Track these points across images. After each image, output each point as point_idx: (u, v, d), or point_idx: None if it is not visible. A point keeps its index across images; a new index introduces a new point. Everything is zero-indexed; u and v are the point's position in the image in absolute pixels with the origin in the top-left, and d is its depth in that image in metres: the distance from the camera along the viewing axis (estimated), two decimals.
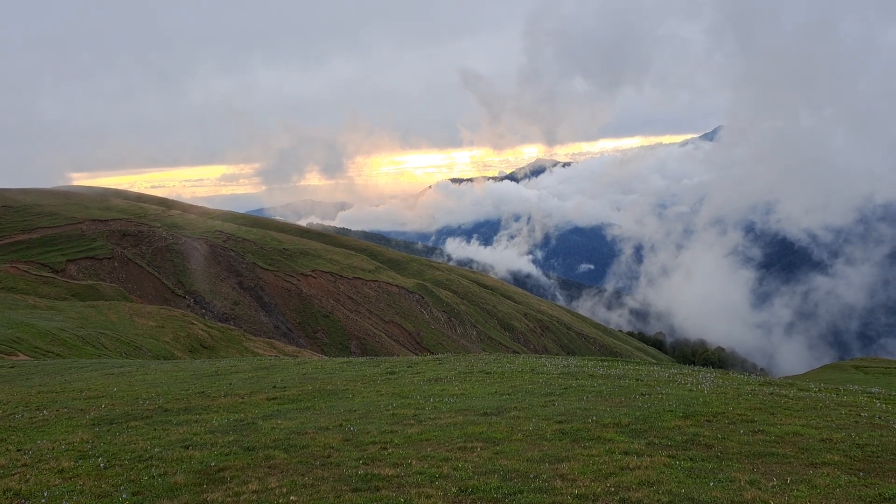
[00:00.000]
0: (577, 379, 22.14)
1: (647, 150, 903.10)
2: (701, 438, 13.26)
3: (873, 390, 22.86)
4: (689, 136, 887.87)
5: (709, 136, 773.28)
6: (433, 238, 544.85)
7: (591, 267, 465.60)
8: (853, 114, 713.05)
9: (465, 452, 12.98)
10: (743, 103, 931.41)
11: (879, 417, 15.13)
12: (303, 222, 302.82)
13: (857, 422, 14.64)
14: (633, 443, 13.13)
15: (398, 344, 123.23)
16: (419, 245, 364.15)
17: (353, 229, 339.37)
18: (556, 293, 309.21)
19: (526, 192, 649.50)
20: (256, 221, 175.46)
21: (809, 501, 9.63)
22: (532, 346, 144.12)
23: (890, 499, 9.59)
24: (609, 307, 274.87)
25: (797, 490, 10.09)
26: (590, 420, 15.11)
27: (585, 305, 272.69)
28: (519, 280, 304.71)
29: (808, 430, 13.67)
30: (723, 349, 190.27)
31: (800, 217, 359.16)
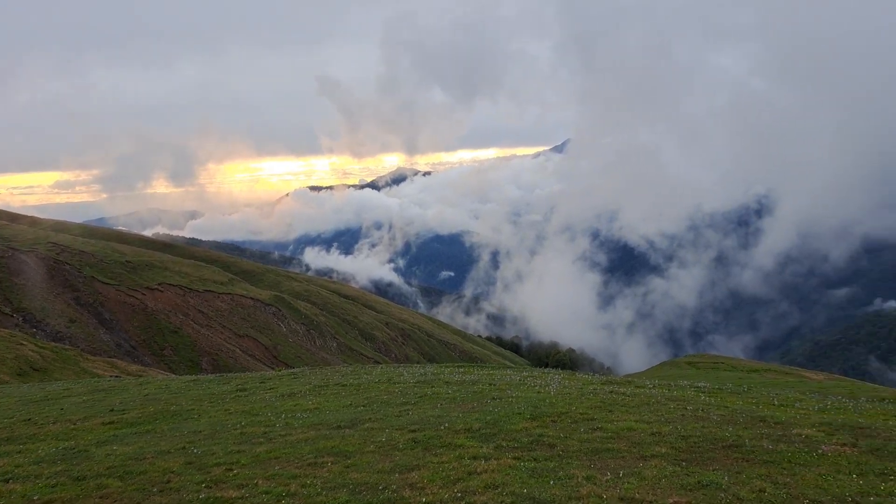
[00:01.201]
0: (432, 387, 22.42)
1: (502, 161, 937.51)
2: (545, 439, 13.84)
3: (700, 384, 24.98)
4: (541, 149, 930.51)
5: (559, 149, 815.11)
6: (291, 247, 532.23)
7: (452, 274, 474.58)
8: (683, 130, 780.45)
9: (316, 468, 12.73)
10: (587, 118, 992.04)
11: (703, 410, 16.51)
12: (149, 232, 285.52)
13: (683, 415, 15.89)
14: (482, 447, 13.46)
15: (254, 359, 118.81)
16: (276, 255, 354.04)
17: (204, 239, 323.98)
18: (418, 301, 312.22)
19: (387, 201, 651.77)
20: (95, 232, 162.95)
21: (638, 492, 10.32)
22: (394, 356, 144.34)
23: (707, 485, 10.47)
24: (468, 313, 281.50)
25: (628, 482, 10.78)
26: (442, 427, 15.33)
27: (445, 312, 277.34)
28: (381, 289, 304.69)
29: (641, 425, 14.66)
30: (573, 350, 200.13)
31: (639, 225, 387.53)
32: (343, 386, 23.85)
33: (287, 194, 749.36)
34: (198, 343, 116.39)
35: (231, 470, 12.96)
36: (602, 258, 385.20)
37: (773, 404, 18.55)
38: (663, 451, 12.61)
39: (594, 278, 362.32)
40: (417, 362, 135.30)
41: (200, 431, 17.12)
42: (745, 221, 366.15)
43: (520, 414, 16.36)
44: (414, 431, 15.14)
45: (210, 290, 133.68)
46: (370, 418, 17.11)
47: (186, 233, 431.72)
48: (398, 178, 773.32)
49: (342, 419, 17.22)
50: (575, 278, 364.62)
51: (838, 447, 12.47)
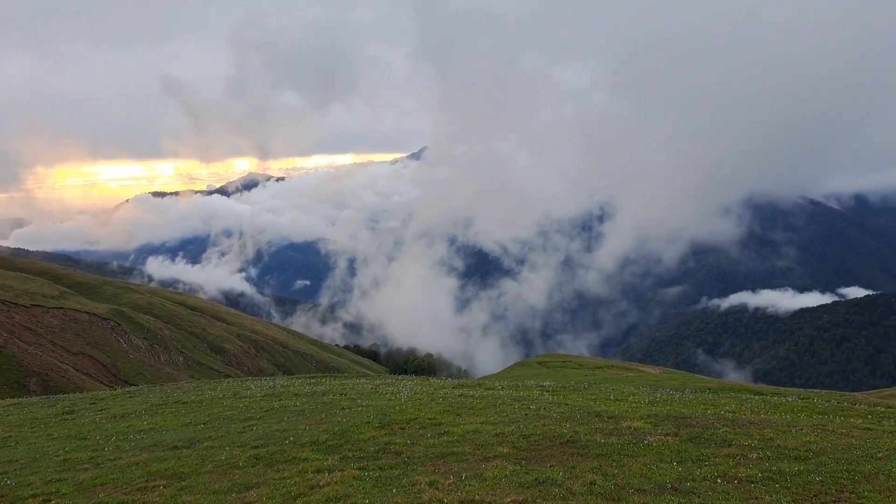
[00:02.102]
0: (280, 399, 21.73)
1: (359, 167, 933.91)
2: (392, 446, 13.76)
3: (545, 384, 26.04)
4: (398, 155, 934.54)
5: (416, 156, 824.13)
6: (132, 257, 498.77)
7: (307, 283, 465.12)
8: (533, 140, 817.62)
9: (146, 493, 11.87)
10: (443, 126, 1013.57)
11: (545, 409, 17.17)
12: None
13: (526, 414, 16.43)
14: (327, 459, 13.16)
15: (90, 378, 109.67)
16: (115, 266, 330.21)
17: (31, 249, 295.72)
18: (272, 311, 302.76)
19: (238, 207, 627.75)
20: None
21: (479, 494, 10.48)
22: (246, 369, 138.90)
23: (543, 481, 10.85)
24: (324, 322, 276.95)
25: (470, 485, 10.93)
26: (287, 441, 14.85)
27: (300, 321, 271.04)
28: (231, 300, 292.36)
29: (486, 427, 14.98)
30: (431, 355, 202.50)
31: (493, 230, 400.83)
32: (183, 403, 22.57)
33: (127, 200, 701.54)
34: (25, 363, 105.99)
35: (49, 501, 11.87)
36: (458, 263, 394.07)
37: (610, 399, 19.67)
38: (505, 451, 12.93)
39: (451, 283, 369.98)
40: (272, 374, 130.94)
41: (16, 460, 15.57)
42: (589, 227, 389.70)
43: (368, 423, 16.19)
44: (256, 447, 14.56)
45: (38, 305, 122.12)
46: (210, 436, 16.26)
47: (11, 242, 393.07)
48: (249, 184, 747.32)
49: (179, 439, 16.25)
50: (432, 284, 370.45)
51: (662, 437, 13.38)
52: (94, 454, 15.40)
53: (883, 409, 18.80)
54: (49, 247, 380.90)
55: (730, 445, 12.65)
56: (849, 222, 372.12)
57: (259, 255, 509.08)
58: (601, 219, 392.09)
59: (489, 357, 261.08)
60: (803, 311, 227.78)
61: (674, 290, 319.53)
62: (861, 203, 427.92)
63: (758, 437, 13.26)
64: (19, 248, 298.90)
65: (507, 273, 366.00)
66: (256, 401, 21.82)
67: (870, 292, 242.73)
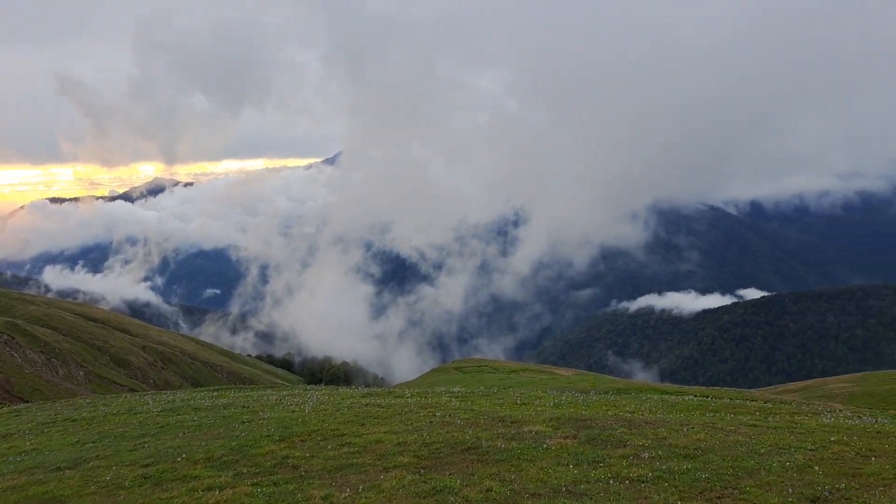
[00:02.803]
0: (178, 414, 20.80)
1: (272, 172, 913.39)
2: (290, 460, 13.33)
3: (455, 390, 26.04)
4: (313, 160, 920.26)
5: (331, 161, 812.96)
6: (28, 267, 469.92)
7: (217, 291, 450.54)
8: (449, 145, 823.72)
9: None
10: (358, 131, 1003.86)
11: (450, 415, 17.10)
12: None
13: (431, 422, 16.30)
14: (219, 476, 12.60)
15: None
16: (8, 276, 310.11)
17: None
18: (180, 321, 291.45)
19: (143, 214, 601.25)
20: None
21: None
22: (152, 382, 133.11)
23: (441, 490, 10.73)
24: (234, 331, 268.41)
25: (365, 497, 10.69)
26: (179, 459, 14.16)
27: (209, 331, 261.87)
28: (136, 310, 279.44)
29: (389, 437, 14.75)
30: (347, 363, 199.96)
31: (410, 236, 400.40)
32: (73, 421, 21.28)
33: (22, 207, 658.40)
34: None
35: None
36: (375, 269, 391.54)
37: (516, 404, 19.83)
38: (406, 460, 12.75)
39: (367, 289, 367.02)
40: (179, 387, 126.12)
41: None
42: (505, 231, 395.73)
43: (268, 436, 15.66)
44: (146, 466, 13.82)
45: None
46: (98, 455, 15.34)
47: None
48: (155, 189, 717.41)
49: (64, 459, 15.26)
50: (348, 290, 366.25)
51: (562, 440, 13.55)
52: None
53: (771, 406, 19.77)
54: None
55: (625, 446, 12.93)
56: (745, 227, 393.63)
57: (166, 263, 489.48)
58: (516, 224, 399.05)
59: (406, 363, 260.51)
60: (705, 313, 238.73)
61: (585, 293, 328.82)
62: (756, 209, 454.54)
63: (652, 436, 13.62)
64: None
65: (424, 279, 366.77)
66: (152, 416, 20.82)
67: (765, 293, 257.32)
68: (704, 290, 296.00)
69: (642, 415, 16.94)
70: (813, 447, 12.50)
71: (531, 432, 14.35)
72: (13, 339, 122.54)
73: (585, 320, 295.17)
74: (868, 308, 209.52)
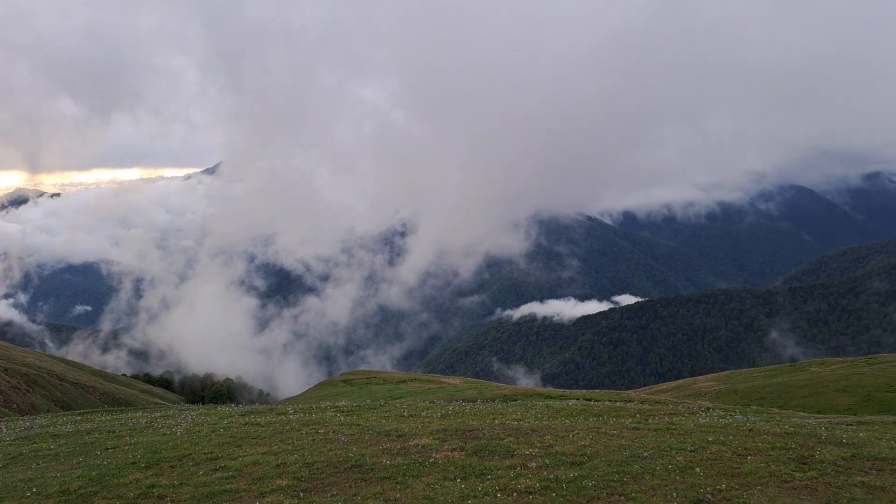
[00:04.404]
0: (34, 443, 18.87)
1: (147, 182, 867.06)
2: (156, 489, 12.25)
3: (341, 404, 25.24)
4: (192, 171, 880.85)
5: (211, 171, 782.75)
6: None
7: (88, 308, 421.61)
8: (333, 156, 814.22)
9: None
10: (239, 140, 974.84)
11: (334, 432, 16.39)
12: None
13: (314, 440, 15.54)
14: None
15: None
16: None
17: None
18: (46, 340, 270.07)
19: (4, 226, 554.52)
20: None
21: None
22: (15, 407, 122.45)
23: None
24: (106, 349, 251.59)
25: None
26: (29, 493, 12.72)
27: (77, 350, 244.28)
28: None
29: (267, 458, 13.89)
30: (231, 379, 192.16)
31: (295, 248, 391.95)
32: None
33: None
34: None
35: None
36: (259, 282, 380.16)
37: (403, 416, 19.36)
38: (284, 483, 12.00)
39: (250, 303, 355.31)
40: (46, 411, 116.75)
41: None
42: (392, 242, 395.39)
43: (134, 463, 14.39)
44: None
45: None
46: None
47: None
48: (18, 200, 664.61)
49: None
50: (229, 304, 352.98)
51: (449, 453, 13.23)
52: None
53: (649, 407, 20.40)
54: None
55: (512, 456, 12.79)
56: (620, 236, 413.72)
57: (30, 278, 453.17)
58: (403, 234, 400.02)
59: (292, 377, 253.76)
60: (585, 318, 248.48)
61: (471, 301, 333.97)
62: (629, 219, 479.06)
63: (538, 444, 13.58)
64: None
65: (310, 290, 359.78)
66: (4, 446, 18.79)
67: (639, 299, 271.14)
68: (583, 297, 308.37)
69: (528, 422, 16.95)
70: (692, 448, 12.86)
71: (418, 446, 13.95)
72: None
73: (472, 328, 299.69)
74: (730, 310, 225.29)
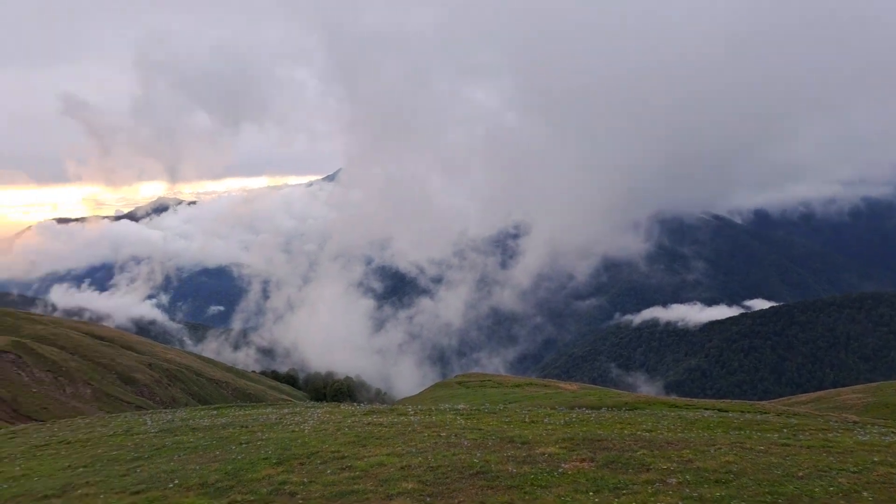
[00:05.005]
0: (175, 435, 19.97)
1: (273, 190, 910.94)
2: (287, 486, 12.49)
3: (459, 407, 25.08)
4: (313, 178, 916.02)
5: (331, 178, 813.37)
6: (35, 286, 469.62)
7: (222, 308, 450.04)
8: (446, 160, 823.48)
9: None
10: (356, 147, 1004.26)
11: (456, 436, 16.21)
12: None
13: (436, 443, 15.41)
14: None
15: None
16: (14, 296, 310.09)
17: None
18: (185, 338, 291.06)
19: (148, 233, 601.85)
20: None
21: None
22: (158, 399, 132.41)
23: None
24: (236, 347, 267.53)
25: None
26: (172, 484, 13.35)
27: (211, 348, 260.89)
28: (142, 327, 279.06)
29: (392, 459, 13.87)
30: (350, 378, 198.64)
31: (410, 251, 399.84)
32: (67, 443, 20.47)
33: (30, 227, 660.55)
34: None
35: None
36: (375, 284, 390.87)
37: (525, 422, 18.89)
38: (410, 486, 11.88)
39: (367, 304, 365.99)
40: (185, 404, 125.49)
41: None
42: (504, 244, 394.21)
43: (266, 459, 14.83)
44: (137, 493, 13.03)
45: None
46: (87, 482, 14.54)
47: None
48: (160, 208, 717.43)
49: (52, 486, 14.46)
50: (348, 305, 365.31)
51: (578, 463, 12.65)
52: None
53: (796, 421, 18.83)
54: None
55: (648, 470, 12.02)
56: (751, 236, 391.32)
57: (170, 281, 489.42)
58: (516, 236, 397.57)
59: (407, 377, 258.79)
60: (712, 324, 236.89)
61: (588, 305, 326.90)
62: (761, 217, 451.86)
63: (676, 459, 12.71)
64: None
65: (424, 292, 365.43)
66: (149, 437, 20.00)
67: (773, 303, 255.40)
68: (710, 301, 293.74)
69: (661, 433, 16.01)
70: (855, 469, 11.59)
71: (544, 454, 13.45)
72: (20, 358, 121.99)
73: (589, 333, 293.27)
74: (879, 316, 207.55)
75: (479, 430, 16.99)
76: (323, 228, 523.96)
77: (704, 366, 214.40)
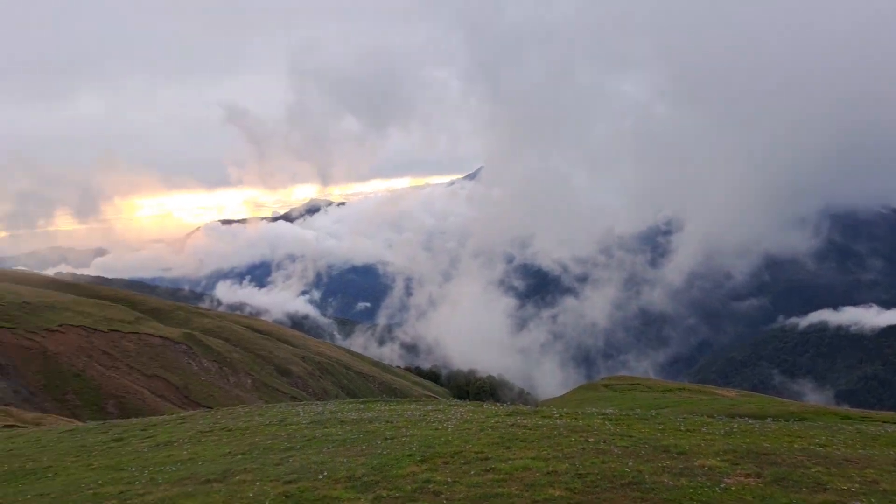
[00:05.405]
0: (325, 427, 20.66)
1: (416, 189, 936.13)
2: (431, 485, 12.39)
3: (607, 411, 24.05)
4: (454, 177, 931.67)
5: (472, 177, 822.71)
6: (203, 283, 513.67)
7: (368, 304, 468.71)
8: (591, 155, 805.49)
9: None
10: (498, 145, 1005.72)
11: (605, 442, 15.42)
12: (51, 272, 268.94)
13: (584, 448, 14.73)
14: (359, 499, 11.93)
15: (163, 400, 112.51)
16: (186, 291, 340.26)
17: (110, 277, 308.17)
18: (335, 333, 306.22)
19: (301, 233, 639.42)
20: None
21: None
22: (311, 390, 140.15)
23: None
24: (381, 342, 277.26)
25: None
26: (321, 476, 13.69)
27: (358, 342, 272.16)
28: (296, 322, 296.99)
29: (537, 463, 13.39)
30: (493, 377, 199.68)
31: (553, 249, 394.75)
32: (229, 431, 21.76)
33: (198, 228, 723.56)
34: (103, 386, 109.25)
35: None
36: (517, 282, 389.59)
37: (680, 430, 17.69)
38: (557, 493, 11.34)
39: (509, 302, 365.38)
40: (335, 396, 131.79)
41: (48, 494, 15.00)
42: (654, 242, 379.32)
43: (410, 456, 14.88)
44: (289, 483, 13.48)
45: (116, 330, 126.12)
46: (245, 469, 15.29)
47: (92, 271, 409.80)
48: (312, 209, 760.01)
49: (214, 471, 15.34)
50: (490, 304, 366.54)
51: (742, 479, 11.52)
52: (126, 488, 14.65)
53: None
54: (126, 274, 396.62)
55: (825, 490, 10.71)
56: None
57: (321, 278, 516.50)
58: (667, 233, 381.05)
59: (550, 378, 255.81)
60: (892, 329, 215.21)
61: (747, 306, 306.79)
62: None
63: (858, 479, 11.26)
64: (100, 277, 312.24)
65: (567, 291, 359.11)
66: (301, 428, 20.84)
67: None
68: (889, 304, 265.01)
69: (838, 449, 14.34)
70: None
71: (703, 467, 12.41)
72: (190, 348, 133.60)
73: (748, 335, 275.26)
74: None
75: (630, 436, 16.09)
76: (464, 226, 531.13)
77: (882, 374, 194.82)
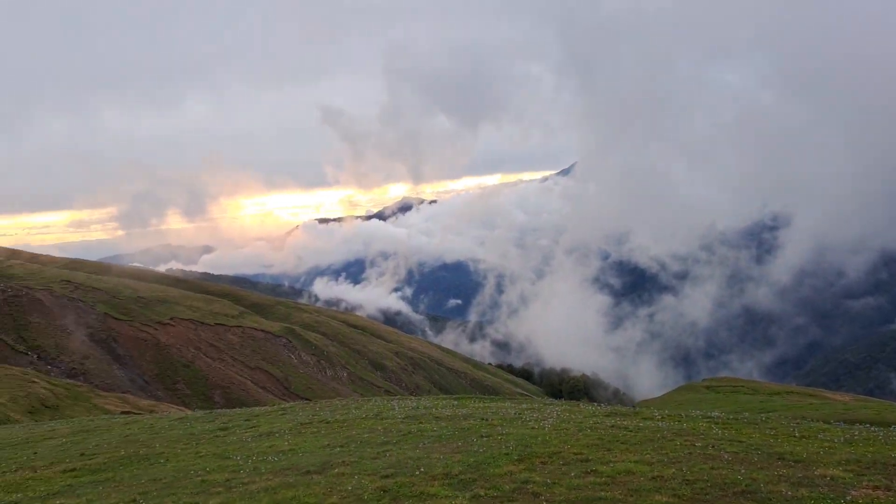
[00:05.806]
0: (420, 423, 20.74)
1: (508, 186, 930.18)
2: (530, 485, 12.09)
3: (713, 414, 22.95)
4: (547, 173, 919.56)
5: (565, 172, 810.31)
6: (302, 279, 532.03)
7: (459, 301, 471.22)
8: (691, 147, 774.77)
9: None
10: (593, 140, 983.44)
11: (713, 447, 14.63)
12: (163, 268, 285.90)
13: (690, 453, 14.02)
14: (456, 497, 11.77)
15: (265, 391, 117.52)
16: (286, 287, 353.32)
17: (216, 273, 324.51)
18: (426, 329, 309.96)
19: (394, 231, 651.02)
20: (108, 269, 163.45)
21: None
22: (404, 385, 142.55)
23: None
24: (472, 339, 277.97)
25: None
26: (418, 472, 13.67)
27: (449, 339, 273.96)
28: (389, 318, 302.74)
29: (641, 467, 12.83)
30: (587, 376, 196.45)
31: (650, 245, 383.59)
32: (327, 423, 22.24)
33: (297, 227, 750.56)
34: (209, 376, 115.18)
35: None
36: (612, 280, 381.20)
37: (794, 436, 16.59)
38: (664, 500, 10.79)
39: (603, 300, 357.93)
40: (428, 391, 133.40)
41: (160, 479, 15.74)
42: (760, 237, 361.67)
43: (507, 454, 14.64)
44: (386, 477, 13.53)
45: (221, 324, 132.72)
46: (343, 461, 15.51)
47: (200, 267, 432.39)
48: (404, 208, 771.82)
49: (313, 463, 15.65)
50: (583, 301, 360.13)
51: (870, 491, 10.61)
52: (231, 476, 15.18)
53: None
54: (231, 271, 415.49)
55: None
56: None
57: (415, 275, 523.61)
58: (773, 229, 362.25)
59: (647, 378, 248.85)
60: None
61: (863, 305, 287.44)
62: None
63: None
64: (207, 273, 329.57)
65: (665, 289, 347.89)
66: (396, 423, 21.01)
67: None
68: None
69: None
70: None
71: (825, 477, 11.52)
72: (290, 342, 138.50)
73: (863, 337, 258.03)
74: None
75: (740, 442, 15.20)
76: (557, 223, 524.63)
77: None
